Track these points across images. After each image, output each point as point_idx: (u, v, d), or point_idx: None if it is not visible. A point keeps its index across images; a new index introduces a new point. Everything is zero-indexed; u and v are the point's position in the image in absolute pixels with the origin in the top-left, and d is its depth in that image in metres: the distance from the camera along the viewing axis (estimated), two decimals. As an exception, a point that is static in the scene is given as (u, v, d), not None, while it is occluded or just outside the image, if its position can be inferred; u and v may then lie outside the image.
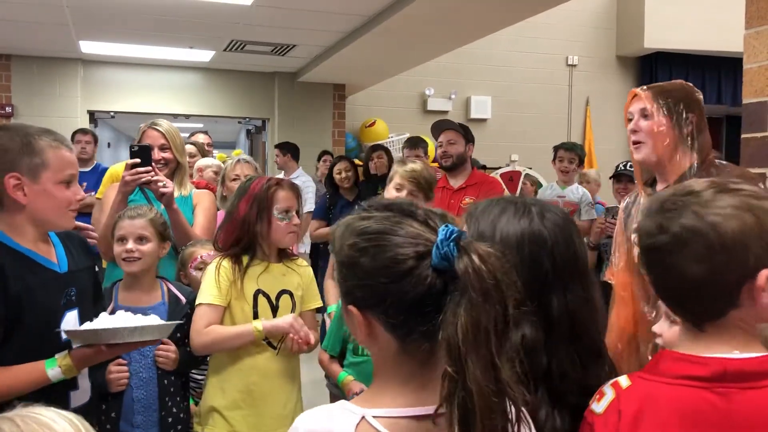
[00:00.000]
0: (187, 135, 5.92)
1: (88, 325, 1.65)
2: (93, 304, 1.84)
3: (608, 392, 1.04)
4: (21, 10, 4.94)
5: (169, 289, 2.27)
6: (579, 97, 8.41)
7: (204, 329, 2.11)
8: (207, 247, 2.55)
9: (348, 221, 0.96)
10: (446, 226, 0.88)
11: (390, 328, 0.91)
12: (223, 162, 4.33)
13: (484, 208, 1.19)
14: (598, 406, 1.04)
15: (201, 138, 5.00)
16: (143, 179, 2.55)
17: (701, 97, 1.97)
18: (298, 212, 2.24)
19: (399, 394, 0.92)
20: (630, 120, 2.00)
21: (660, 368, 1.04)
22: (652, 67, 8.35)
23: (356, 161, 5.29)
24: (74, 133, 5.50)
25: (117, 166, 3.46)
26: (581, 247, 1.17)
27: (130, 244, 2.17)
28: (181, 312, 2.22)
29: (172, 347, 2.17)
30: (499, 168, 7.47)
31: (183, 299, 2.26)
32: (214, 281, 2.13)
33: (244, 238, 2.16)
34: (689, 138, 1.91)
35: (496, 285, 0.86)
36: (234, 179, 3.28)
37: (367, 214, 0.95)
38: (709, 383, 0.99)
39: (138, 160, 2.57)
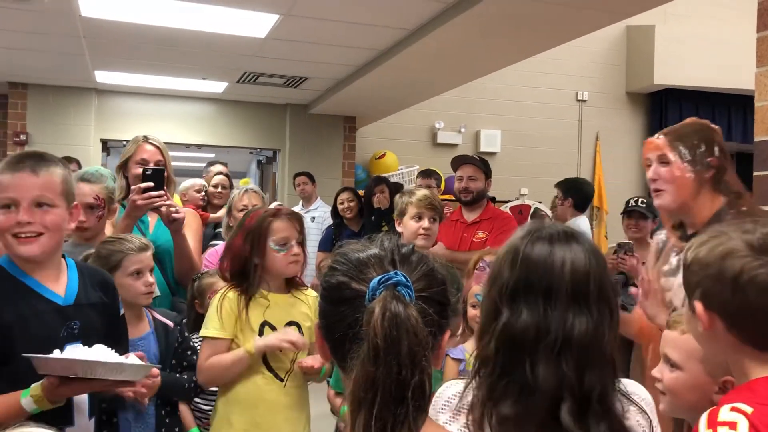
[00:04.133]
0: (202, 164, 5.99)
1: (57, 354, 1.54)
2: (111, 342, 1.70)
3: (738, 419, 0.99)
4: (38, 40, 5.02)
5: (154, 318, 2.25)
6: (589, 132, 8.42)
7: (206, 363, 2.12)
8: None
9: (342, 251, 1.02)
10: (396, 273, 0.91)
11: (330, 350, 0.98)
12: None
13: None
14: None
15: (220, 168, 5.04)
16: (155, 204, 2.51)
17: (719, 133, 1.95)
18: (301, 242, 2.21)
19: None
20: (649, 166, 1.98)
21: (765, 393, 1.02)
22: (662, 104, 8.37)
23: (360, 192, 5.31)
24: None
25: None
26: (602, 271, 1.15)
27: (150, 278, 2.15)
28: (173, 338, 2.23)
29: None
30: (509, 201, 7.47)
31: (171, 324, 2.25)
32: (216, 313, 2.13)
33: (243, 271, 2.15)
34: (712, 181, 1.88)
35: (393, 343, 0.85)
36: (242, 210, 3.26)
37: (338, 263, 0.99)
38: None
39: (151, 184, 2.50)
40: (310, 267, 4.54)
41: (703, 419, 1.02)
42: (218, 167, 5.21)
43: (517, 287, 1.08)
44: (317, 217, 5.81)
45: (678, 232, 2.02)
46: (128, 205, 2.53)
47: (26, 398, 1.51)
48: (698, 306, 1.12)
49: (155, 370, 1.76)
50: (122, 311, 1.85)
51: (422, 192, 2.66)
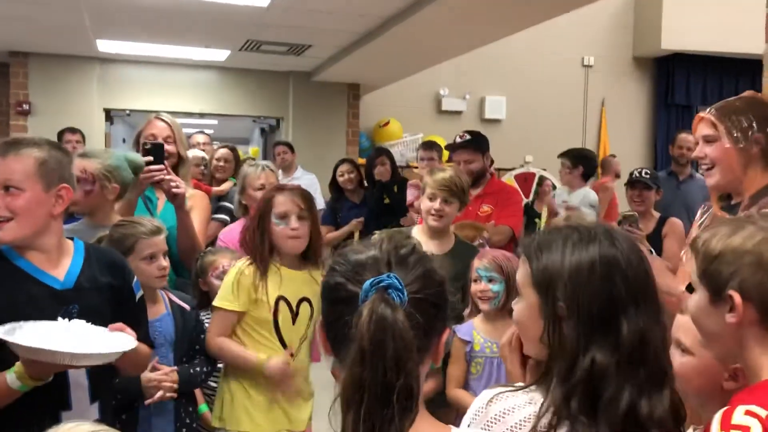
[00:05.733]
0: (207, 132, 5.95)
1: (24, 337, 1.49)
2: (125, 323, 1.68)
3: (752, 423, 0.97)
4: (38, 9, 4.97)
5: (171, 300, 2.27)
6: (594, 99, 8.35)
7: (217, 336, 2.21)
8: (227, 256, 2.56)
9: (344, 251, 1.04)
10: (389, 275, 0.92)
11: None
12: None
13: (545, 240, 1.17)
14: None
15: (201, 138, 4.93)
16: (156, 178, 2.52)
17: None
18: (305, 217, 2.22)
19: None
20: (697, 143, 1.99)
21: None
22: (669, 69, 8.27)
23: (360, 161, 5.27)
24: (62, 132, 5.51)
25: None
26: (649, 266, 1.16)
27: (164, 261, 2.16)
28: (190, 321, 2.25)
29: (169, 378, 2.11)
30: (513, 169, 7.45)
31: (187, 308, 2.28)
32: (232, 287, 2.19)
33: (256, 245, 2.22)
34: (761, 155, 1.87)
35: (378, 347, 0.87)
36: (259, 188, 3.15)
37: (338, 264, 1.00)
38: None
39: (151, 158, 2.52)
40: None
41: (716, 420, 1.01)
42: (201, 137, 5.10)
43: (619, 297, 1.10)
44: (302, 186, 5.76)
45: (721, 203, 2.01)
46: None
47: (11, 374, 1.50)
48: (737, 297, 1.07)
49: (164, 368, 1.77)
50: (140, 293, 1.83)
51: (443, 174, 2.67)
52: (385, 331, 0.87)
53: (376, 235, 1.05)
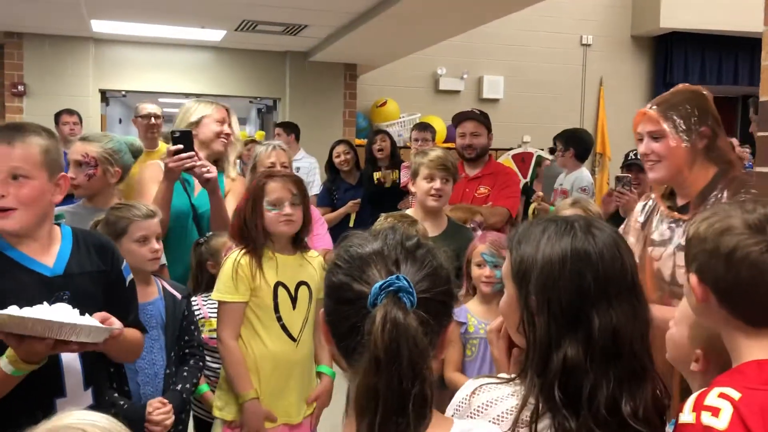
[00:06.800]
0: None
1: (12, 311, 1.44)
2: (115, 309, 1.64)
3: (723, 405, 1.00)
4: (32, -11, 4.92)
5: (164, 286, 2.28)
6: (592, 78, 8.32)
7: (232, 334, 2.20)
8: None
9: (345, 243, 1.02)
10: (398, 277, 0.90)
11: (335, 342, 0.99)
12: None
13: (525, 231, 1.17)
14: (719, 421, 0.99)
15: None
16: (187, 165, 2.54)
17: (711, 99, 1.94)
18: (297, 203, 2.22)
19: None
20: (640, 140, 1.99)
21: (755, 377, 1.04)
22: (668, 48, 8.23)
23: (357, 141, 5.25)
24: (59, 114, 5.48)
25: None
26: (630, 260, 1.15)
27: (156, 244, 2.17)
28: (179, 309, 2.26)
29: (166, 408, 2.09)
30: (511, 149, 7.44)
31: (179, 296, 2.29)
32: (231, 278, 2.19)
33: (246, 230, 2.22)
34: (705, 150, 1.89)
35: (394, 355, 0.86)
36: (269, 167, 3.07)
37: (347, 251, 0.99)
38: None
39: (181, 147, 2.54)
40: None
41: (690, 401, 1.04)
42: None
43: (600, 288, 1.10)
44: (302, 168, 5.77)
45: (668, 202, 2.04)
46: (165, 170, 2.59)
47: (3, 360, 1.48)
48: (693, 279, 1.15)
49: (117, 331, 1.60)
50: (130, 277, 1.80)
51: (435, 153, 2.67)
52: (399, 339, 0.86)
53: (381, 221, 1.05)
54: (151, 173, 2.75)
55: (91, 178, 2.52)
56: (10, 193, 1.55)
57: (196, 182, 2.77)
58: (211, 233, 2.67)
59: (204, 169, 2.57)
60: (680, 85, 2.04)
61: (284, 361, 2.24)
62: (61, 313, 1.47)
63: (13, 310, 1.42)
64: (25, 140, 1.58)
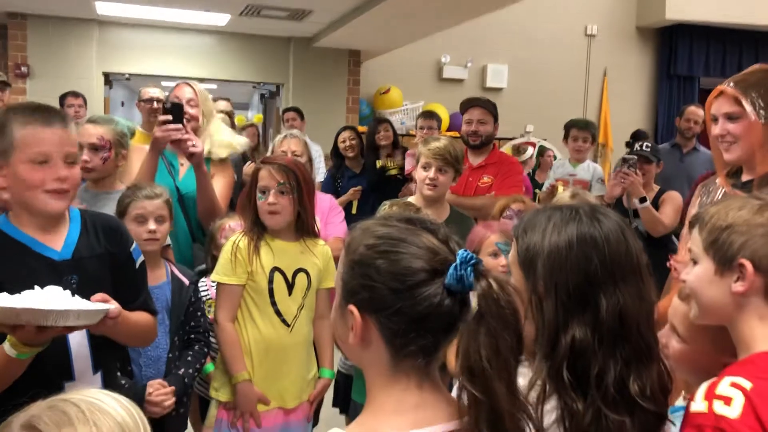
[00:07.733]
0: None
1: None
2: (124, 291, 1.67)
3: (735, 394, 1.01)
4: (38, -30, 4.91)
5: (172, 271, 2.29)
6: (596, 69, 8.30)
7: (229, 316, 2.21)
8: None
9: (368, 225, 1.00)
10: (465, 250, 0.92)
11: (387, 336, 0.93)
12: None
13: (531, 219, 1.19)
14: (731, 410, 0.99)
15: (222, 105, 4.95)
16: (174, 136, 2.56)
17: None
18: (286, 191, 2.18)
19: (396, 416, 0.93)
20: (714, 120, 1.95)
21: (766, 367, 1.05)
22: (672, 39, 8.21)
23: (360, 129, 5.23)
24: (64, 96, 5.46)
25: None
26: (635, 243, 1.17)
27: (153, 225, 2.18)
28: (186, 295, 2.27)
29: (166, 390, 2.12)
30: (514, 138, 7.44)
31: (186, 282, 2.30)
32: (229, 260, 2.20)
33: (247, 217, 2.23)
34: None
35: (513, 312, 0.90)
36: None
37: (387, 222, 0.99)
38: None
39: (170, 117, 2.56)
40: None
41: (702, 389, 1.05)
42: (222, 104, 5.09)
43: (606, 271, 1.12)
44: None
45: (732, 180, 2.00)
46: (151, 139, 2.61)
47: (6, 344, 1.47)
48: (748, 265, 1.11)
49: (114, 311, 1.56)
50: (141, 258, 1.79)
51: (437, 143, 2.67)
52: (500, 303, 0.91)
53: (384, 208, 1.07)
54: (138, 156, 2.75)
55: (106, 162, 2.53)
56: (70, 176, 1.60)
57: (180, 165, 2.78)
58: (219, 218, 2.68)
59: (190, 143, 2.58)
60: (755, 65, 1.99)
61: (277, 345, 2.23)
62: (51, 297, 1.44)
63: (2, 299, 1.41)
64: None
